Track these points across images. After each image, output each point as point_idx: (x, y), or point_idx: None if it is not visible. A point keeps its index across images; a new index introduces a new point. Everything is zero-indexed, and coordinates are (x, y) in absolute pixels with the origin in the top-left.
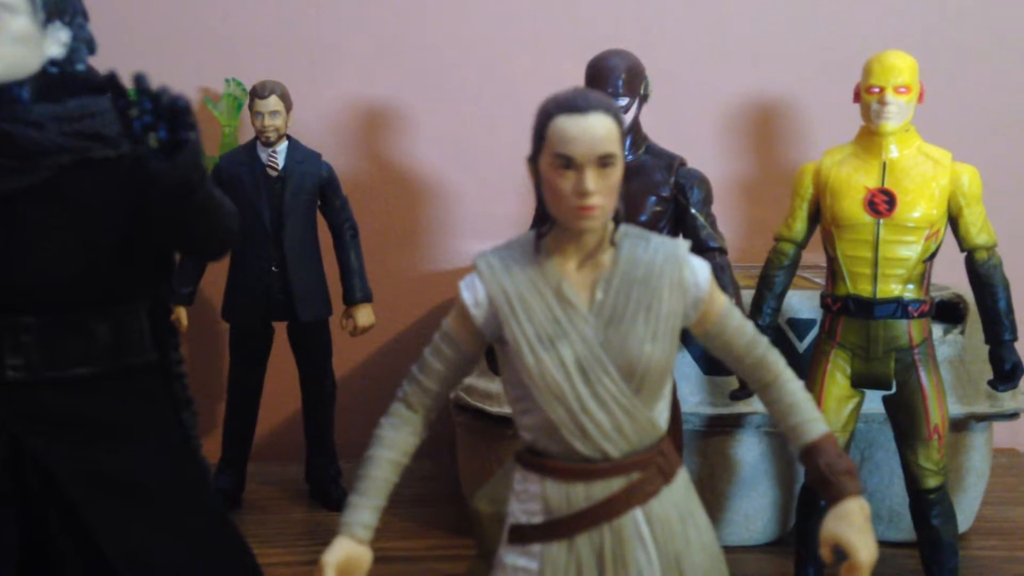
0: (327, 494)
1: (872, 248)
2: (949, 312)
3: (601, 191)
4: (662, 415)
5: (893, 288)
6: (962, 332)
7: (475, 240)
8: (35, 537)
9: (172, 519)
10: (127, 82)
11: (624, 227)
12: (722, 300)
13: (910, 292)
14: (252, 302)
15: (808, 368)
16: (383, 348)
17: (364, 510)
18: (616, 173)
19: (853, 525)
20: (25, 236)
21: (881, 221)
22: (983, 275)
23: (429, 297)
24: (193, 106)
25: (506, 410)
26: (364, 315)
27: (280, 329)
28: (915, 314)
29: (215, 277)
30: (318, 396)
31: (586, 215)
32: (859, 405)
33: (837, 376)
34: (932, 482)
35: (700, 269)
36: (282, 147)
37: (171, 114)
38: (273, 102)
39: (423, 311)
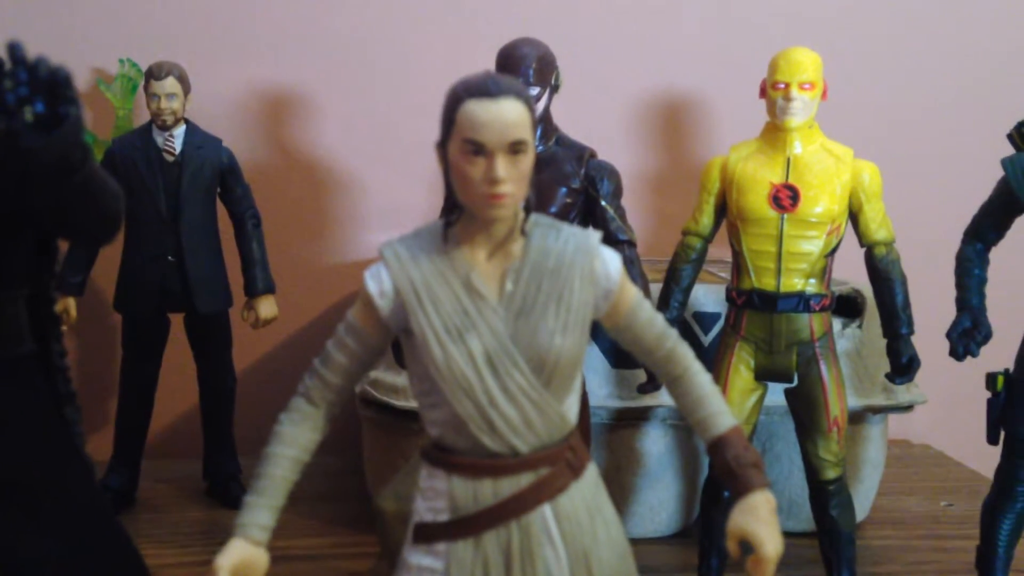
0: (226, 492)
1: (776, 242)
2: (847, 306)
3: (512, 179)
4: (572, 409)
5: (796, 282)
6: (859, 326)
7: (382, 232)
8: None
9: (52, 518)
10: (1, 52)
11: (535, 216)
12: (633, 292)
13: (812, 286)
14: (146, 292)
15: (713, 361)
16: (286, 341)
17: (261, 510)
18: (527, 160)
19: (759, 518)
20: None
21: (785, 216)
22: (881, 270)
23: (334, 289)
24: (83, 86)
25: (413, 404)
26: (266, 307)
27: (176, 321)
28: (816, 308)
29: (108, 266)
30: (217, 391)
31: (496, 203)
32: (762, 398)
33: (741, 369)
34: (831, 473)
35: (611, 260)
36: (179, 131)
37: (49, 86)
38: (170, 84)
39: (328, 304)
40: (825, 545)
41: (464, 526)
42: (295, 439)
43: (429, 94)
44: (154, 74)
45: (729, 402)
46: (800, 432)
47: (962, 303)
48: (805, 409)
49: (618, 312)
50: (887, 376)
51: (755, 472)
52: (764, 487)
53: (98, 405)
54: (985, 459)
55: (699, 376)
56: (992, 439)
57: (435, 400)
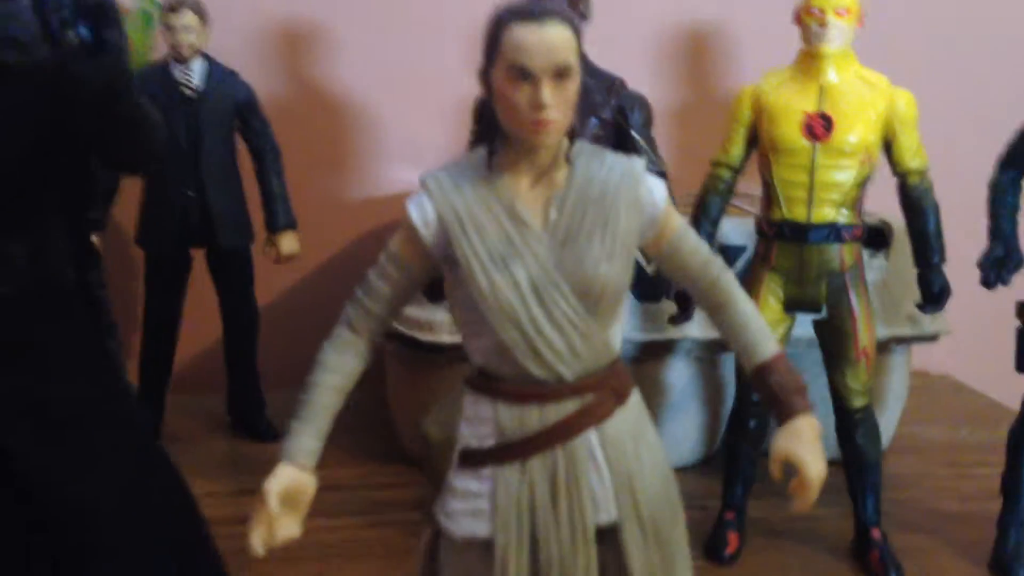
0: (250, 425)
1: (808, 173)
2: (873, 237)
3: (557, 104)
4: (616, 337)
5: (827, 213)
6: (886, 257)
7: (401, 167)
8: None
9: (103, 449)
10: None
11: (579, 144)
12: (677, 219)
13: (844, 217)
14: (168, 227)
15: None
16: (307, 277)
17: (307, 436)
18: (573, 86)
19: (804, 442)
20: None
21: (818, 145)
22: (915, 199)
23: (354, 225)
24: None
25: (438, 339)
26: (288, 242)
27: (199, 256)
28: (848, 238)
29: (129, 202)
30: (240, 325)
31: (542, 129)
32: (790, 329)
33: (770, 300)
34: (858, 402)
35: (656, 187)
36: (197, 65)
37: (93, 10)
38: (188, 17)
39: (348, 239)
40: (851, 473)
41: (510, 451)
42: (338, 366)
43: (450, 27)
44: (171, 7)
45: None
46: (828, 362)
47: (995, 231)
48: (834, 339)
49: (663, 239)
50: (917, 306)
51: (799, 397)
52: (808, 412)
53: (122, 340)
54: (1004, 389)
55: (743, 304)
56: (1021, 367)
57: (479, 329)
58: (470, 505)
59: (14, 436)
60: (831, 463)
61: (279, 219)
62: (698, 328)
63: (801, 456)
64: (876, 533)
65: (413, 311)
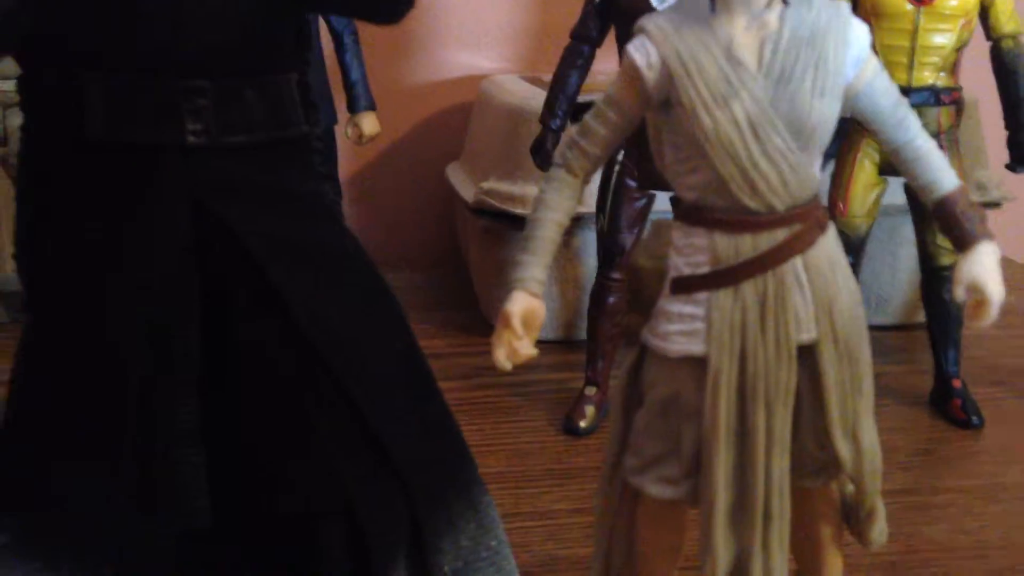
0: None
1: (910, 37)
2: None
3: None
4: (819, 170)
5: (927, 76)
6: (958, 125)
7: (464, 51)
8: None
9: (351, 286)
10: None
11: None
12: (875, 59)
13: (943, 80)
14: None
15: (837, 157)
16: (375, 159)
17: (535, 267)
18: None
19: (985, 267)
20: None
21: (921, 9)
22: (1008, 63)
23: (416, 109)
24: None
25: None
26: (369, 123)
27: None
28: (947, 101)
29: None
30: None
31: None
32: (882, 193)
33: (866, 164)
34: (946, 260)
35: (861, 28)
36: None
37: None
38: None
39: (411, 124)
40: (935, 328)
41: (725, 277)
42: (558, 204)
43: None
44: None
45: (852, 196)
46: (918, 222)
47: None
48: None
49: (863, 78)
50: (1007, 166)
51: (981, 225)
52: (991, 238)
53: None
54: None
55: (924, 140)
56: None
57: (696, 164)
58: (685, 327)
59: (284, 274)
60: (896, 327)
61: (360, 101)
62: None
63: (983, 279)
64: (957, 383)
65: (504, 186)
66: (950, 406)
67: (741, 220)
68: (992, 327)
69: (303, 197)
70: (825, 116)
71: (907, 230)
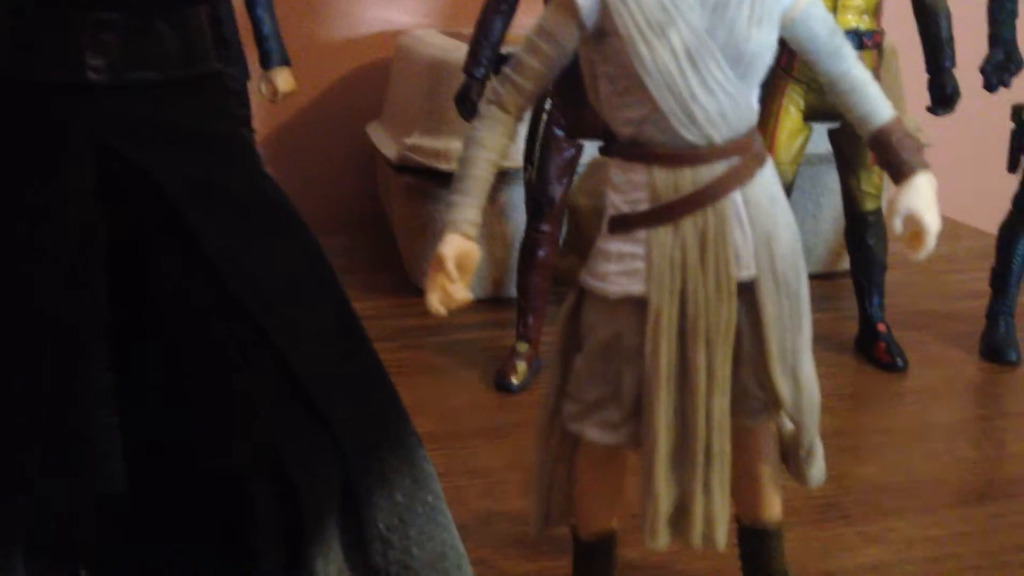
0: None
1: None
2: None
3: None
4: (757, 102)
5: (850, 19)
6: (880, 70)
7: (379, 6)
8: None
9: (273, 231)
10: None
11: None
12: None
13: (865, 23)
14: None
15: (762, 105)
16: (294, 117)
17: (469, 207)
18: None
19: (923, 197)
20: None
21: None
22: (928, 4)
23: (332, 67)
24: None
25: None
26: (284, 79)
27: None
28: (870, 45)
29: None
30: None
31: None
32: (807, 140)
33: (791, 110)
34: (871, 205)
35: None
36: None
37: None
38: None
39: (327, 82)
40: (859, 273)
41: (665, 213)
42: (492, 142)
43: None
44: None
45: (778, 143)
46: (843, 168)
47: (995, 37)
48: (851, 144)
49: (800, 5)
50: (928, 109)
51: (917, 155)
52: (927, 169)
53: None
54: (955, 206)
55: (860, 71)
56: (1012, 167)
57: (633, 99)
58: (624, 266)
59: (202, 218)
60: (820, 276)
61: (274, 56)
62: None
63: (920, 209)
64: (882, 327)
65: (427, 141)
66: (875, 350)
67: (680, 154)
68: (914, 273)
69: (219, 138)
70: (763, 44)
71: (829, 179)
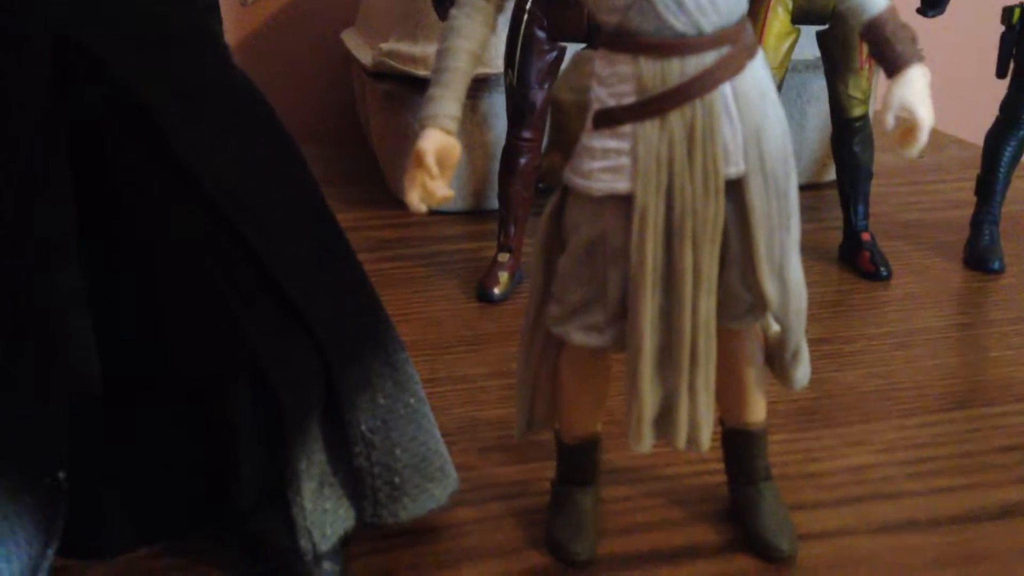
0: None
1: None
2: None
3: None
4: None
5: None
6: None
7: None
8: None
9: (241, 122)
10: None
11: None
12: None
13: None
14: None
15: (750, 5)
16: (265, 24)
17: (448, 101)
18: None
19: (916, 90)
20: None
21: None
22: None
23: None
24: None
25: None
26: None
27: None
28: None
29: None
30: None
31: None
32: (795, 43)
33: (779, 11)
34: (858, 111)
35: None
36: None
37: None
38: None
39: None
40: (844, 181)
41: (651, 106)
42: (470, 32)
43: None
44: None
45: (765, 47)
46: (831, 72)
47: None
48: (839, 49)
49: None
50: (918, 11)
51: (912, 47)
52: (921, 61)
53: None
54: (948, 120)
55: None
56: (1001, 73)
57: None
58: (609, 162)
59: (165, 109)
60: (805, 187)
61: None
62: None
63: (914, 102)
64: (866, 236)
65: (404, 47)
66: (859, 259)
67: (668, 43)
68: (899, 183)
69: (183, 26)
70: None
71: (815, 87)
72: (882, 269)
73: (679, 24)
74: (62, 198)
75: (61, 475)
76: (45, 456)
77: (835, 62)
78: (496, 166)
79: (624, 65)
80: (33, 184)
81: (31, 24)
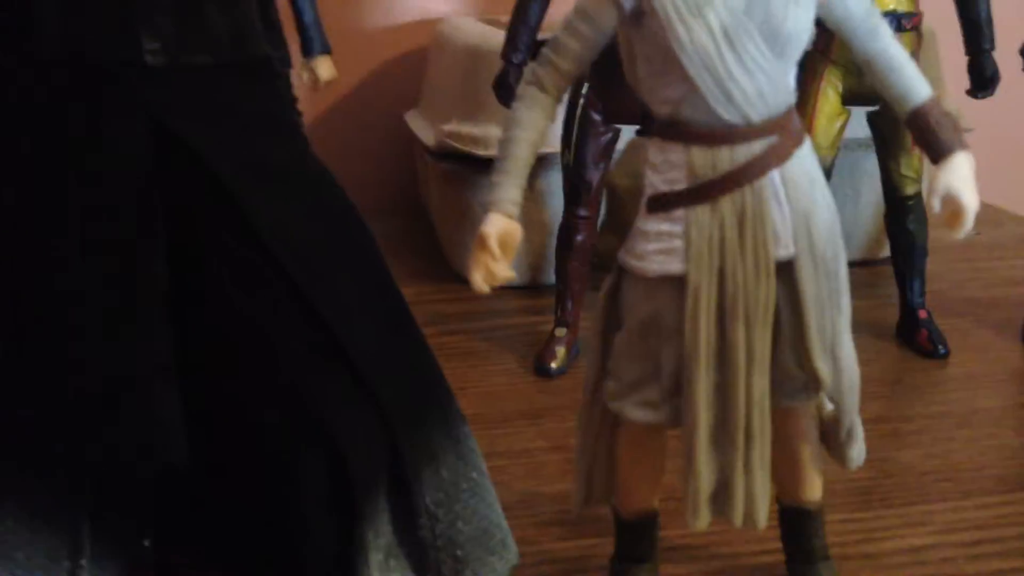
0: None
1: None
2: None
3: None
4: (793, 81)
5: (889, 2)
6: (919, 53)
7: None
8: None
9: (320, 208)
10: None
11: None
12: None
13: (903, 5)
14: None
15: (800, 88)
16: (334, 105)
17: (510, 187)
18: None
19: (961, 177)
20: None
21: None
22: None
23: (370, 55)
24: None
25: (493, 154)
26: (326, 67)
27: None
28: (908, 27)
29: None
30: None
31: None
32: (845, 124)
33: (829, 93)
34: (911, 189)
35: None
36: None
37: None
38: None
39: (366, 70)
40: (900, 259)
41: (703, 192)
42: (530, 123)
43: None
44: None
45: (816, 127)
46: (883, 152)
47: None
48: (890, 128)
49: None
50: (968, 92)
51: (955, 135)
52: (965, 148)
53: None
54: (998, 193)
55: (897, 50)
56: None
57: (670, 79)
58: (663, 245)
59: (250, 195)
60: (860, 263)
61: (315, 44)
62: None
63: (959, 188)
64: (923, 313)
65: (465, 127)
66: (917, 337)
67: (718, 133)
68: (956, 260)
69: (267, 119)
70: (800, 23)
71: (868, 164)
72: (940, 347)
73: (728, 115)
74: (157, 270)
75: (146, 542)
76: (132, 522)
77: (886, 142)
78: (553, 242)
79: (676, 153)
80: (131, 254)
81: (130, 116)
